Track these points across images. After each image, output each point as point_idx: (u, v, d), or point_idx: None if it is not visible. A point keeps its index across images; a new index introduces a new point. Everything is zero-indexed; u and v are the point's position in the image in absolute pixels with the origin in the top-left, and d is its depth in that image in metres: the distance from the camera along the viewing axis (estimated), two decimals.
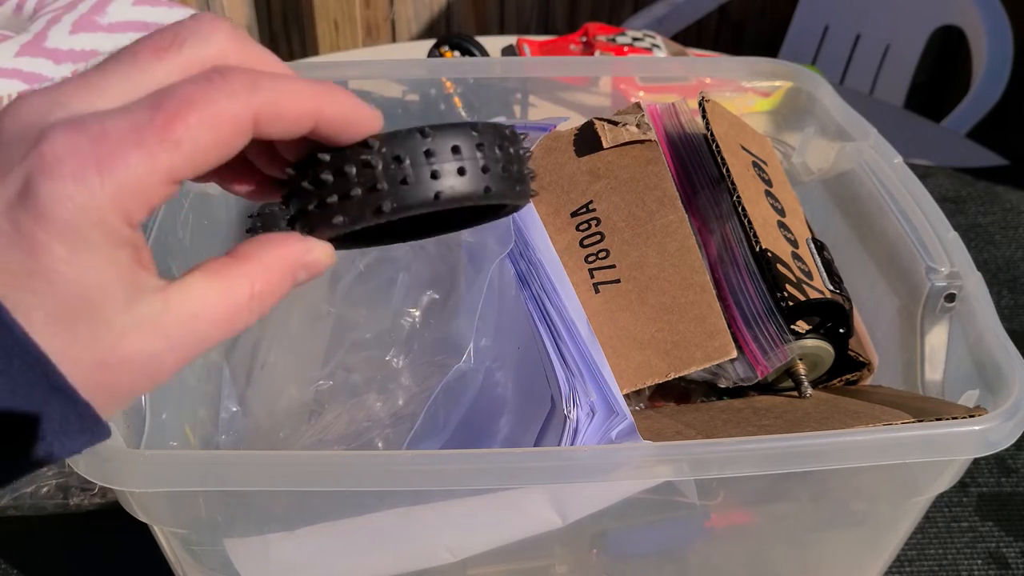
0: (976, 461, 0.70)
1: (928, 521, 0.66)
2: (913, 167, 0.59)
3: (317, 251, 0.31)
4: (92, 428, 0.26)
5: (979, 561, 0.64)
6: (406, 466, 0.42)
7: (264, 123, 0.27)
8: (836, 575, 0.57)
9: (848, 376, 0.58)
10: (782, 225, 0.57)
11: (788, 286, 0.53)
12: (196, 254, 0.59)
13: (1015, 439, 0.43)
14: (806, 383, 0.54)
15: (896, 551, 0.54)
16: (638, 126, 0.58)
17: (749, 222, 0.54)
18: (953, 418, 0.45)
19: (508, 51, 1.06)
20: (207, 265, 0.29)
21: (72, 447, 0.26)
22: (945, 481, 0.47)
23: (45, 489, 0.62)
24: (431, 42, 1.02)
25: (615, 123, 0.58)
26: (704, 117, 0.59)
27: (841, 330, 0.55)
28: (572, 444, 0.45)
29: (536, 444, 0.47)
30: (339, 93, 0.30)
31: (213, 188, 0.63)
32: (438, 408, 0.49)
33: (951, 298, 0.52)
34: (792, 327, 0.53)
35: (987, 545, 0.65)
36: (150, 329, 0.26)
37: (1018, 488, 0.69)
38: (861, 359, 0.57)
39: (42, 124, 0.25)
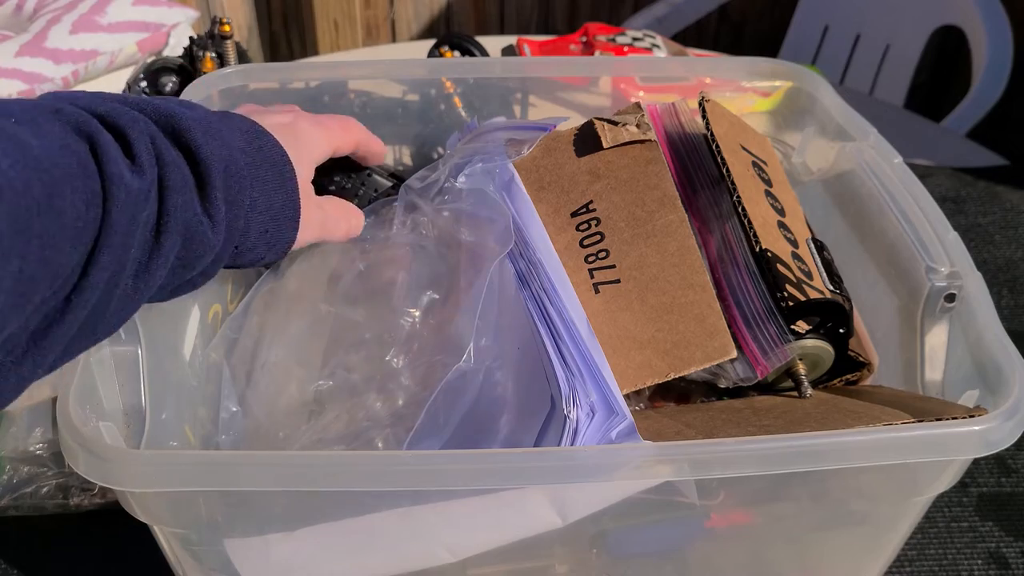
0: (976, 461, 0.70)
1: (928, 521, 0.66)
2: (913, 167, 0.59)
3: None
4: (295, 222, 0.49)
5: (979, 561, 0.64)
6: (406, 466, 0.42)
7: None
8: (836, 575, 0.57)
9: (848, 376, 0.58)
10: (782, 225, 0.57)
11: (788, 286, 0.53)
12: None
13: (1015, 439, 0.43)
14: (806, 383, 0.54)
15: (896, 551, 0.54)
16: (638, 126, 0.58)
17: (749, 222, 0.54)
18: (953, 418, 0.45)
19: (508, 51, 1.05)
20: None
21: (286, 232, 0.49)
22: (945, 481, 0.47)
23: (45, 489, 0.62)
24: (431, 42, 1.02)
25: (615, 123, 0.58)
26: (704, 117, 0.59)
27: (841, 330, 0.55)
28: (572, 444, 0.45)
29: (536, 444, 0.47)
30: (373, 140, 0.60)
31: None
32: (438, 408, 0.49)
33: (951, 298, 0.52)
34: (792, 327, 0.53)
35: (987, 545, 0.65)
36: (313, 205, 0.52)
37: (1018, 488, 0.69)
38: (861, 359, 0.57)
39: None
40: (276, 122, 0.50)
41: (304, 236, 0.50)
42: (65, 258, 0.34)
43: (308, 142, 0.51)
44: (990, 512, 0.67)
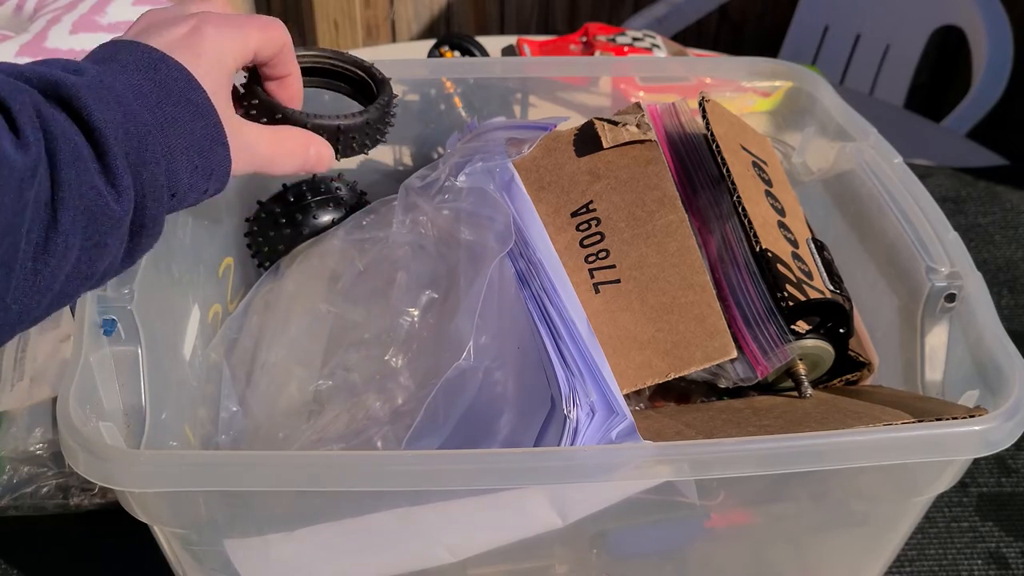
0: (976, 461, 0.70)
1: (928, 521, 0.66)
2: (913, 167, 0.59)
3: (325, 147, 0.51)
4: (224, 144, 0.44)
5: (979, 561, 0.64)
6: (405, 466, 0.42)
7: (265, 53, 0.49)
8: (836, 575, 0.57)
9: (848, 376, 0.58)
10: (782, 225, 0.57)
11: (788, 286, 0.53)
12: (196, 251, 0.59)
13: (1015, 439, 0.43)
14: (806, 383, 0.54)
15: (896, 551, 0.54)
16: (638, 126, 0.58)
17: (749, 222, 0.54)
18: (953, 418, 0.45)
19: (508, 51, 1.05)
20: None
21: (219, 158, 0.44)
22: (945, 481, 0.47)
23: (45, 489, 0.62)
24: (431, 42, 1.02)
25: (615, 123, 0.58)
26: (704, 117, 0.59)
27: (841, 330, 0.55)
28: (572, 444, 0.45)
29: (536, 444, 0.47)
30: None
31: None
32: (438, 405, 0.49)
33: (951, 298, 0.52)
34: (792, 327, 0.53)
35: (987, 545, 0.65)
36: (237, 126, 0.46)
37: (1018, 488, 0.69)
38: (861, 359, 0.57)
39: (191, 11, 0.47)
40: (176, 37, 0.44)
41: (238, 165, 0.45)
42: None
43: (216, 51, 0.44)
44: (990, 512, 0.67)
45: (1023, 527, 0.66)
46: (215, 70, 0.44)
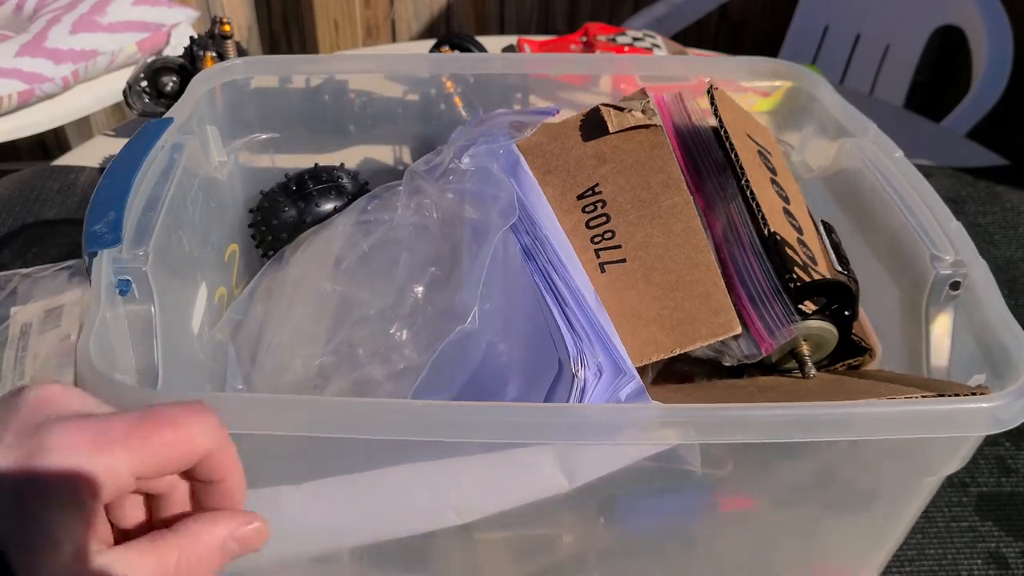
0: (976, 461, 0.70)
1: (928, 521, 0.66)
2: None
3: (251, 527, 0.36)
4: None
5: (979, 561, 0.64)
6: (414, 415, 0.42)
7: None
8: (842, 559, 0.56)
9: (850, 361, 0.58)
10: (787, 212, 0.57)
11: (796, 268, 0.53)
12: (204, 231, 0.59)
13: None
14: (810, 363, 0.54)
15: (902, 537, 0.54)
16: (643, 111, 0.58)
17: (758, 204, 0.54)
18: (958, 395, 0.44)
19: (508, 51, 1.06)
20: (150, 535, 0.35)
21: None
22: (955, 461, 0.47)
23: None
24: (431, 42, 1.02)
25: (621, 109, 0.59)
26: (713, 104, 0.59)
27: (847, 312, 0.55)
28: (580, 402, 0.45)
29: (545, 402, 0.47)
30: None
31: (220, 174, 0.64)
32: (442, 363, 0.49)
33: (956, 286, 0.51)
34: (800, 306, 0.53)
35: (987, 545, 0.65)
36: None
37: (1018, 488, 0.69)
38: (864, 344, 0.57)
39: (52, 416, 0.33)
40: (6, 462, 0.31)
41: None
42: None
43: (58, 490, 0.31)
44: (990, 512, 0.67)
45: (1023, 527, 0.66)
46: (39, 546, 0.30)
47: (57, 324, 0.68)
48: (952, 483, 0.68)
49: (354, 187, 0.64)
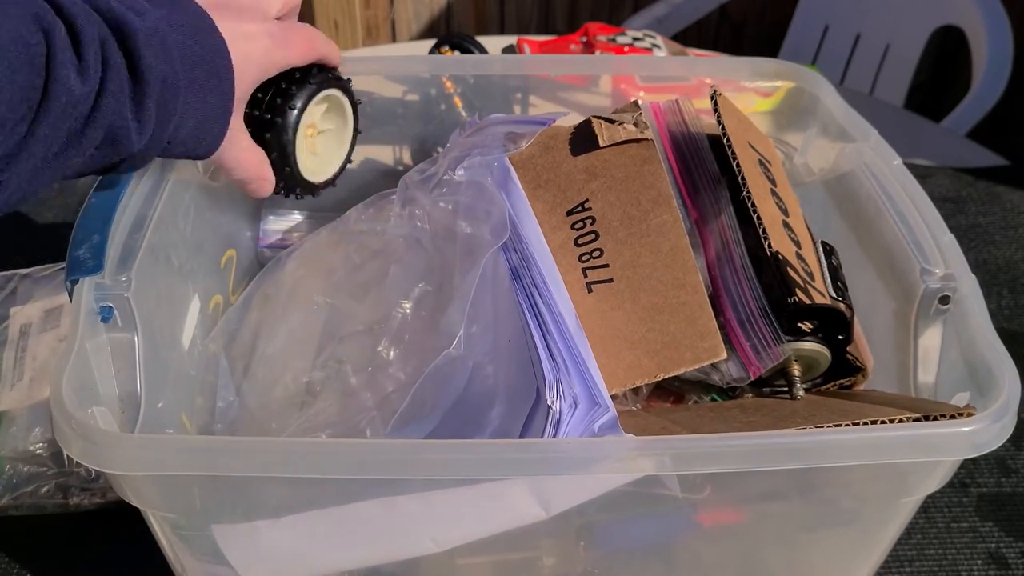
0: (976, 461, 0.70)
1: (928, 521, 0.66)
2: (913, 167, 0.59)
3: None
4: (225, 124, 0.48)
5: (979, 561, 0.64)
6: (387, 455, 0.42)
7: None
8: (825, 575, 0.56)
9: (842, 381, 0.58)
10: (786, 225, 0.57)
11: (798, 290, 0.53)
12: (197, 245, 0.59)
13: (1003, 441, 0.43)
14: (798, 384, 0.54)
15: (886, 552, 0.54)
16: (635, 124, 0.58)
17: (759, 219, 0.54)
18: (941, 416, 0.44)
19: (508, 51, 1.05)
20: None
21: (214, 134, 0.48)
22: (934, 482, 0.47)
23: (45, 489, 0.62)
24: (431, 42, 1.02)
25: (612, 121, 0.58)
26: (716, 110, 0.59)
27: (840, 336, 0.55)
28: (555, 435, 0.45)
29: (521, 435, 0.47)
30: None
31: (215, 180, 0.64)
32: (425, 392, 0.49)
33: (945, 300, 0.51)
34: (798, 325, 0.53)
35: (987, 545, 0.65)
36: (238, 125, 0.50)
37: (1018, 488, 0.69)
38: (858, 364, 0.57)
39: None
40: (239, 32, 0.48)
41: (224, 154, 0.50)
42: None
43: (263, 64, 0.49)
44: (990, 512, 0.67)
45: (1023, 527, 0.66)
46: (248, 76, 0.49)
47: (57, 324, 0.68)
48: (952, 483, 0.68)
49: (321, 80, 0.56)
